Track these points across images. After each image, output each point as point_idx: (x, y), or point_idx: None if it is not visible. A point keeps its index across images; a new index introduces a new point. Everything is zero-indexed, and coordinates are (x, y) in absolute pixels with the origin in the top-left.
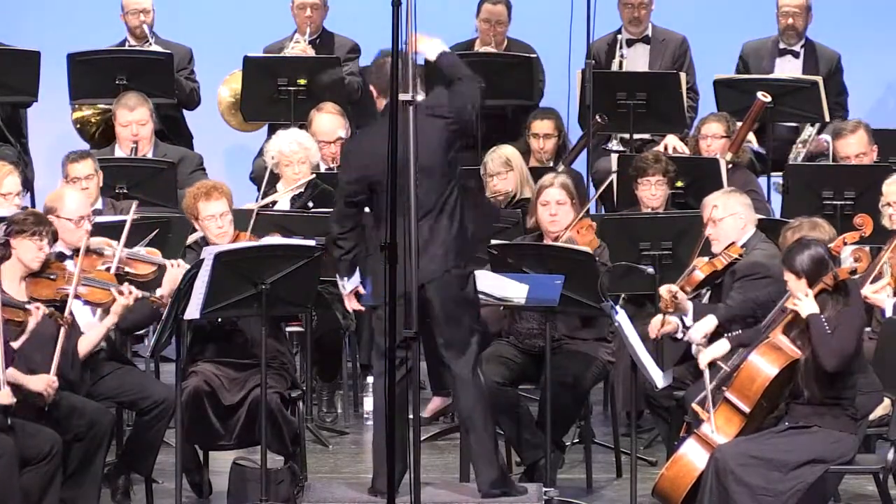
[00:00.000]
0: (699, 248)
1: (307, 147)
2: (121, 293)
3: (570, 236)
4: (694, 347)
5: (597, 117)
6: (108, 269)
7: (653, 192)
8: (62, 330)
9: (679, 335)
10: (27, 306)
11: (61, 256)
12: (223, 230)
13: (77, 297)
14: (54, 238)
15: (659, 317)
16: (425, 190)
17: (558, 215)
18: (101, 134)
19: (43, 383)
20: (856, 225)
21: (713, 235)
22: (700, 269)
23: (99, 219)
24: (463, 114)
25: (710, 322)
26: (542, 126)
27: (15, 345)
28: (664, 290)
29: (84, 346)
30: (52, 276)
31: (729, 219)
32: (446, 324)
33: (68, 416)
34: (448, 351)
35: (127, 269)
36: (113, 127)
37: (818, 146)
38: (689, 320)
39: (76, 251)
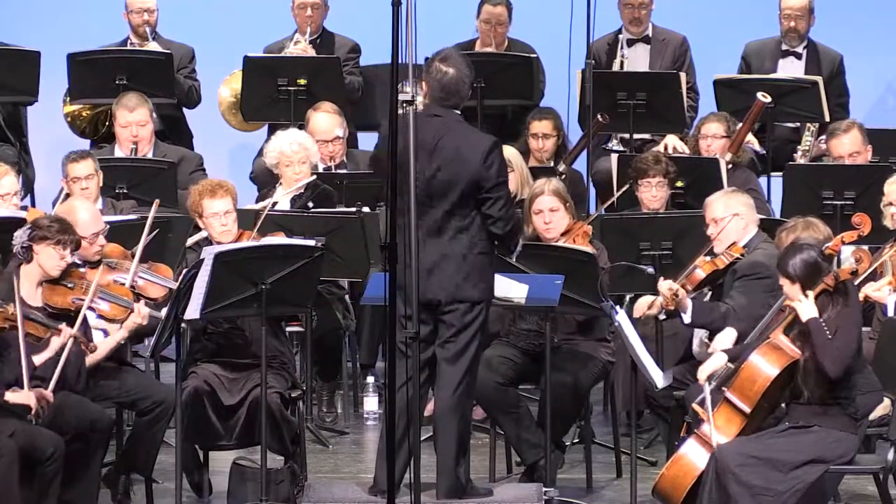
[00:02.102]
0: (705, 251)
1: (308, 147)
2: (133, 311)
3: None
4: (695, 348)
5: (598, 116)
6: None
7: (653, 194)
8: (78, 348)
9: (662, 316)
10: (55, 325)
11: (74, 265)
12: (227, 228)
13: (92, 309)
14: (76, 247)
15: (647, 297)
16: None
17: (552, 222)
18: (92, 129)
19: (33, 397)
20: (854, 224)
21: (715, 235)
22: (701, 267)
23: (105, 218)
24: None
25: (731, 334)
26: (540, 126)
27: (37, 360)
28: (664, 287)
29: (92, 359)
30: (69, 286)
31: (731, 219)
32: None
33: (68, 416)
34: (445, 349)
35: (138, 289)
36: (103, 122)
37: (818, 151)
38: (686, 318)
39: (88, 263)
